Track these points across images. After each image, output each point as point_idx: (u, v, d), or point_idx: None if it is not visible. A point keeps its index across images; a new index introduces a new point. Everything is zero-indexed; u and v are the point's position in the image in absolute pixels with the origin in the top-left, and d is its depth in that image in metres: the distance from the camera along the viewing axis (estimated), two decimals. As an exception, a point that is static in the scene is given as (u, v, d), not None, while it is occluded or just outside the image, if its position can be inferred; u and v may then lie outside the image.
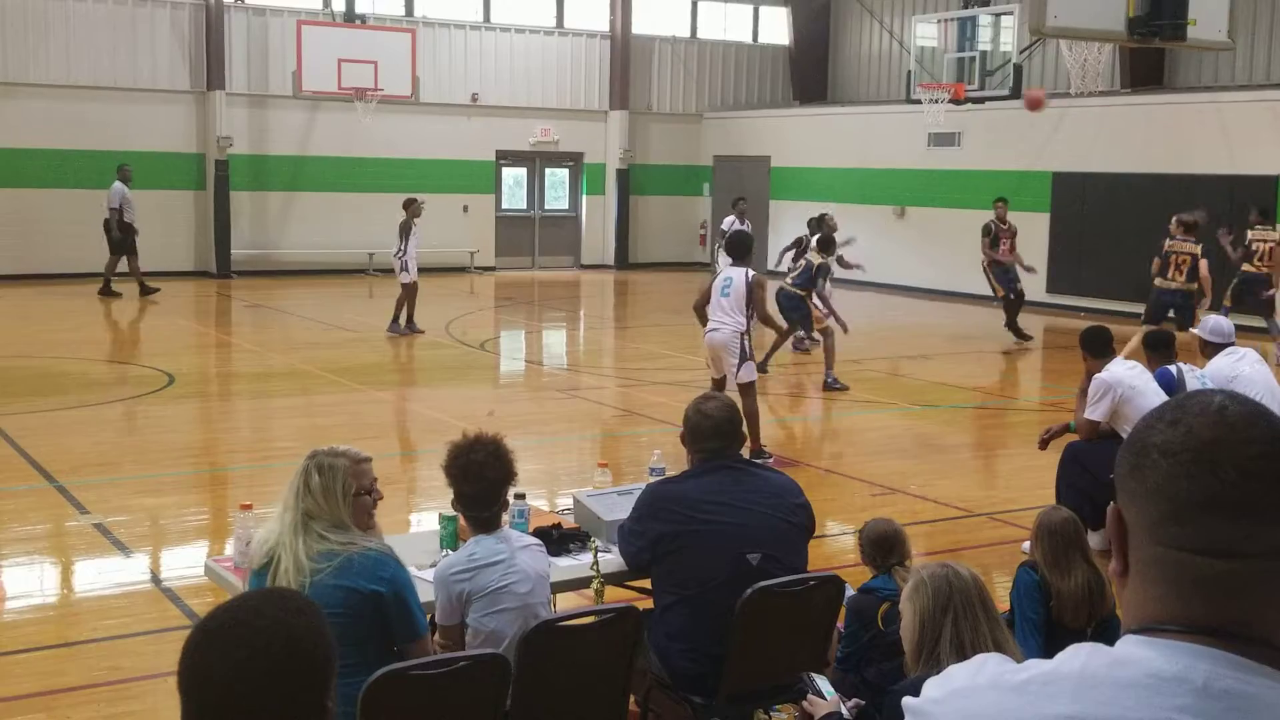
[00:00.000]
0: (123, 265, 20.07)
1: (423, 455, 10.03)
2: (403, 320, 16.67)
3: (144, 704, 5.41)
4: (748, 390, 9.70)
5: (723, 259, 14.04)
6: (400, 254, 16.49)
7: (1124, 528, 1.38)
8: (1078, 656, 1.34)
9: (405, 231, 16.50)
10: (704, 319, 9.97)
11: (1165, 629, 1.31)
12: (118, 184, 20.19)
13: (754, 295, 9.74)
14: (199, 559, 6.87)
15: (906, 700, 1.43)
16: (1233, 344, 8.20)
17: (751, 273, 9.88)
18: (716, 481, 4.61)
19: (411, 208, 16.65)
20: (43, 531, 8.07)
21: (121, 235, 20.08)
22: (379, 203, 24.29)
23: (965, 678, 1.40)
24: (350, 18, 23.25)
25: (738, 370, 9.75)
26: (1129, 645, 1.33)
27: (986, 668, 1.39)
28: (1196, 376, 7.86)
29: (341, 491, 3.92)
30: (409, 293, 16.56)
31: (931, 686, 1.43)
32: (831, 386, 13.17)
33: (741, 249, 10.36)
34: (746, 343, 9.78)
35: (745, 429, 10.04)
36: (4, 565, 7.48)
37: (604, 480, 5.74)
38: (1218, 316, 8.46)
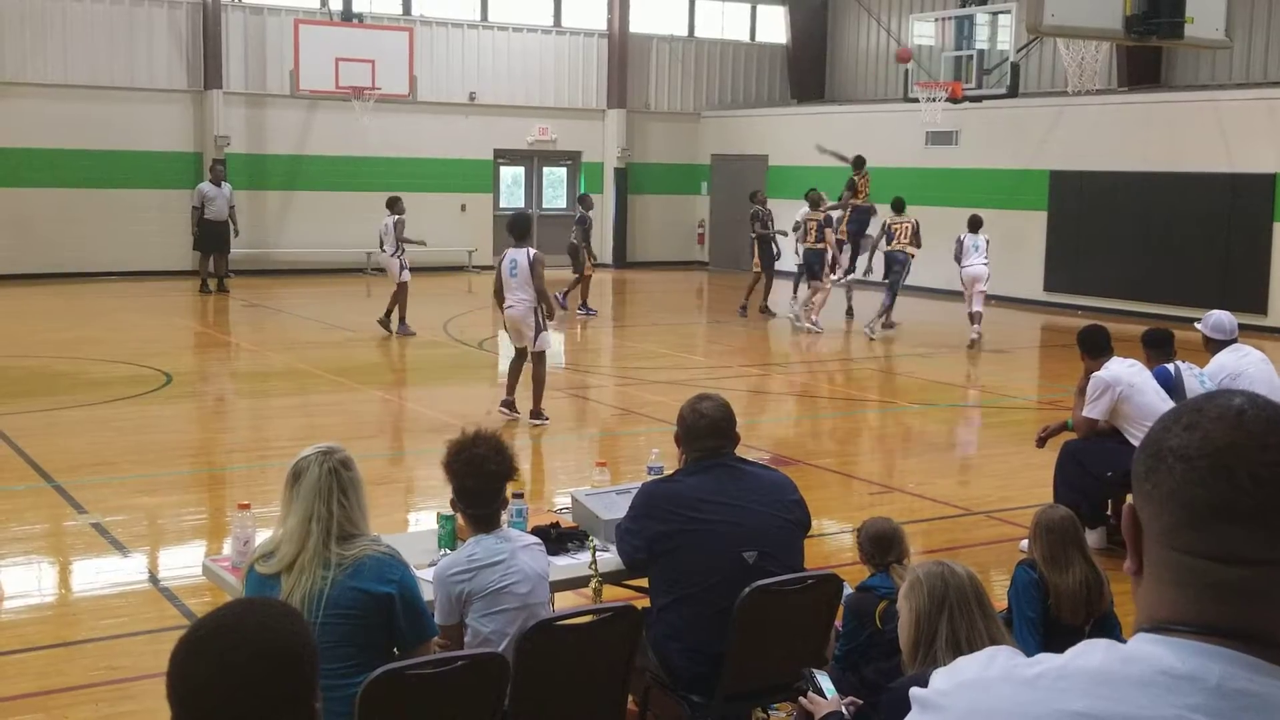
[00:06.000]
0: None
1: (420, 454, 10.02)
2: None
3: (141, 704, 5.39)
4: (540, 359, 10.95)
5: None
6: None
7: (1138, 527, 1.36)
8: (1092, 652, 1.32)
9: None
10: (501, 302, 10.94)
11: (1179, 628, 1.30)
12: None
13: (535, 271, 10.69)
14: (197, 559, 6.85)
15: (914, 691, 1.41)
16: (1236, 340, 8.03)
17: (533, 251, 10.84)
18: (712, 480, 4.60)
19: None
20: (40, 531, 8.07)
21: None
22: (377, 202, 24.22)
23: (975, 670, 1.38)
24: (348, 16, 23.23)
25: (535, 340, 10.81)
26: (1143, 643, 1.31)
27: (997, 661, 1.37)
28: (1195, 375, 7.82)
29: (360, 489, 3.91)
30: None
31: (940, 678, 1.40)
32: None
33: (520, 230, 11.12)
34: (540, 316, 10.76)
35: (532, 390, 11.03)
36: (2, 565, 7.47)
37: (602, 479, 5.73)
38: (1220, 312, 8.21)
